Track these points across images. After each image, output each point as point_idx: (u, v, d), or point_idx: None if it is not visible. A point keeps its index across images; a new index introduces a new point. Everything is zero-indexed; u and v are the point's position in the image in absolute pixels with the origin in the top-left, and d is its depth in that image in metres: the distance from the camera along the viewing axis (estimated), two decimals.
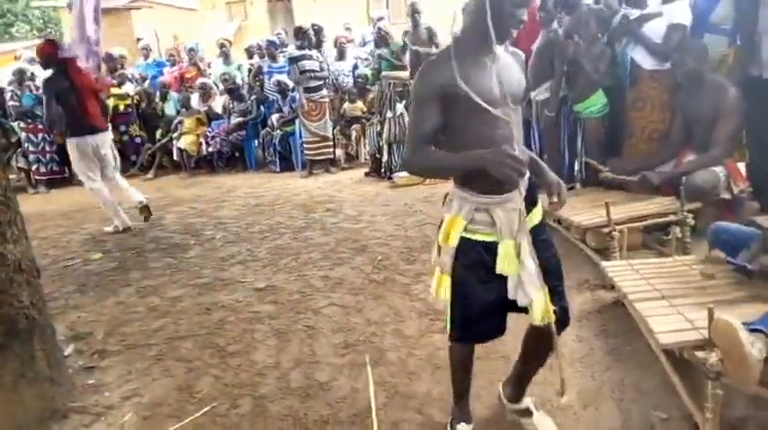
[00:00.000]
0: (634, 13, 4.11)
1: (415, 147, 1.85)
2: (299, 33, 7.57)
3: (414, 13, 7.05)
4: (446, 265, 1.93)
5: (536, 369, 2.24)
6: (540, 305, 1.87)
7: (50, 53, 5.35)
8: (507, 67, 1.87)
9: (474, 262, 1.90)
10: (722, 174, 3.51)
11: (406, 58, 7.32)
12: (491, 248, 1.88)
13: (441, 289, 1.97)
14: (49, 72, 5.48)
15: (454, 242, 1.90)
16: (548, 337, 1.95)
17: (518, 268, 1.87)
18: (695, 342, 2.03)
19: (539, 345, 2.08)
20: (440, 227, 1.99)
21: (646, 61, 4.03)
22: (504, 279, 1.89)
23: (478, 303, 1.93)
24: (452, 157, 1.83)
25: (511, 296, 1.90)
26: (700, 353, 1.97)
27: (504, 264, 1.87)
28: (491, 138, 1.78)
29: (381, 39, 7.72)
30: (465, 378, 2.21)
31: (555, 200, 1.96)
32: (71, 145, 5.53)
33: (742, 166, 3.78)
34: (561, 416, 2.31)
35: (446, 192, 2.00)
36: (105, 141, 5.67)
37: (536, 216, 1.97)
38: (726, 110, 3.47)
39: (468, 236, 1.90)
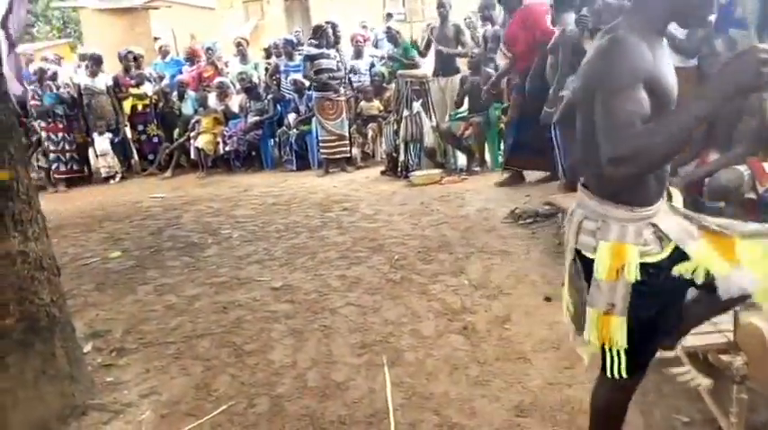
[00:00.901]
0: None
1: (621, 135, 1.38)
2: (318, 31, 7.57)
3: (440, 7, 7.01)
4: (618, 306, 1.55)
5: None
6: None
7: None
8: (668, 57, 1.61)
9: (658, 290, 1.57)
10: (746, 173, 3.44)
11: (430, 53, 7.30)
12: (666, 270, 1.58)
13: (610, 333, 1.58)
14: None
15: (634, 276, 1.52)
16: None
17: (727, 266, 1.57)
18: (720, 345, 2.00)
19: None
20: (578, 260, 1.64)
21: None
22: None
23: (656, 326, 1.62)
24: (684, 110, 1.35)
25: (730, 295, 1.58)
26: (725, 357, 1.93)
27: (702, 269, 1.56)
28: None
29: (391, 38, 7.68)
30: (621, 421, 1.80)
31: None
32: None
33: (767, 166, 3.70)
34: (581, 419, 2.27)
35: (581, 216, 1.64)
36: None
37: None
38: (750, 106, 3.40)
39: (646, 260, 1.55)
